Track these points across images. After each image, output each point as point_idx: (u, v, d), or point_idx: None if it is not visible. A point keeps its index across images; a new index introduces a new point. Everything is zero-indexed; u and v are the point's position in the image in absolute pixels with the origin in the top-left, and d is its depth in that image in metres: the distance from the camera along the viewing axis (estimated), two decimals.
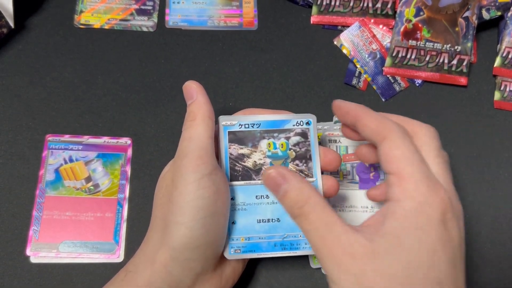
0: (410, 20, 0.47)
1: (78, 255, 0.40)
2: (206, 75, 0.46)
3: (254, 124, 0.36)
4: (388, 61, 0.47)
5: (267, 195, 0.35)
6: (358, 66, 0.47)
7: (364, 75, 0.47)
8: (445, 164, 0.31)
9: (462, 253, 0.29)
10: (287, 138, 0.36)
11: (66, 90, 0.45)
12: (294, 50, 0.48)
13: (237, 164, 0.35)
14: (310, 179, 0.35)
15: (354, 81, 0.47)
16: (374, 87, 0.47)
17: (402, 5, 0.47)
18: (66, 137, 0.43)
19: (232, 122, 0.36)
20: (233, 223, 0.35)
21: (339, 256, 0.28)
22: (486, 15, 0.47)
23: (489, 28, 0.49)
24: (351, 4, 0.48)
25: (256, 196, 0.35)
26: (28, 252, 0.40)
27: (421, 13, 0.47)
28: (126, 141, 0.44)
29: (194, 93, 0.34)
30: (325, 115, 0.45)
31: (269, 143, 0.36)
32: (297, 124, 0.36)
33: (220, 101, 0.45)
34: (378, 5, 0.48)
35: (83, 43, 0.47)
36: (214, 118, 0.34)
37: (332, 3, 0.49)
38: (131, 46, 0.47)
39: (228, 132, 0.36)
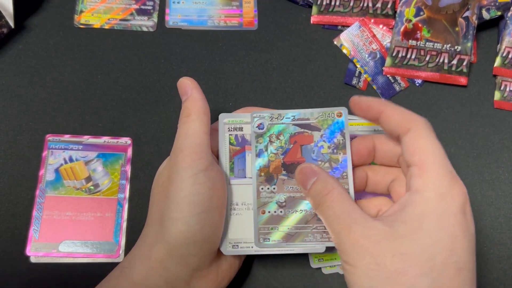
0: (410, 20, 0.47)
1: (78, 255, 0.40)
2: (206, 75, 0.46)
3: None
4: (388, 61, 0.47)
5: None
6: (358, 66, 0.47)
7: (364, 75, 0.47)
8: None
9: (475, 245, 0.29)
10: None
11: (66, 90, 0.45)
12: (294, 50, 0.48)
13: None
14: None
15: (354, 81, 0.47)
16: (374, 87, 0.47)
17: (402, 5, 0.47)
18: (66, 137, 0.43)
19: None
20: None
21: (358, 239, 0.28)
22: (486, 15, 0.47)
23: (489, 28, 0.49)
24: (351, 4, 0.48)
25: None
26: (28, 252, 0.40)
27: (421, 13, 0.47)
28: (126, 141, 0.44)
29: (189, 89, 0.34)
30: None
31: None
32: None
33: (220, 101, 0.45)
34: (378, 5, 0.48)
35: (83, 43, 0.47)
36: (209, 114, 0.34)
37: (332, 3, 0.49)
38: (131, 46, 0.47)
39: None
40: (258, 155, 0.35)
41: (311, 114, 0.36)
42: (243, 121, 0.36)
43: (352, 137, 0.36)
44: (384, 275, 0.27)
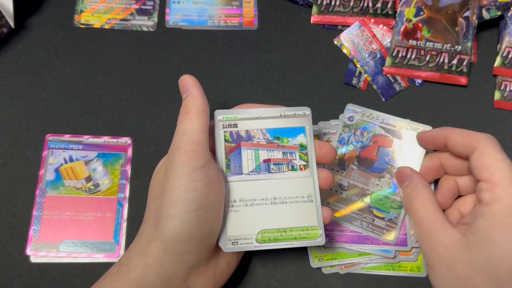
0: (410, 20, 0.47)
1: (78, 255, 0.40)
2: (206, 75, 0.46)
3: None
4: (388, 61, 0.47)
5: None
6: (358, 66, 0.47)
7: (364, 75, 0.47)
8: None
9: None
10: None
11: (66, 90, 0.45)
12: (294, 50, 0.48)
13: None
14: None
15: (354, 81, 0.47)
16: (374, 87, 0.47)
17: (402, 4, 0.47)
18: (66, 137, 0.43)
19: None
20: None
21: (436, 246, 0.33)
22: (486, 15, 0.47)
23: (489, 28, 0.49)
24: (351, 3, 0.48)
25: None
26: (28, 252, 0.40)
27: (421, 13, 0.47)
28: (126, 140, 0.44)
29: (189, 87, 0.34)
30: (325, 114, 0.45)
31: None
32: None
33: (220, 101, 0.45)
34: (378, 4, 0.48)
35: (83, 43, 0.47)
36: (208, 111, 0.34)
37: (332, 2, 0.49)
38: (131, 46, 0.47)
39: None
40: (340, 142, 0.41)
41: (398, 122, 0.42)
42: (237, 117, 0.36)
43: None
44: (454, 279, 0.32)
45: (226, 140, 0.36)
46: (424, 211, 0.35)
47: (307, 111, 0.37)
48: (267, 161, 0.36)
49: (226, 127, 0.36)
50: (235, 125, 0.36)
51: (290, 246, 0.35)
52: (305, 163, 0.36)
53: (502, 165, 0.33)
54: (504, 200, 0.32)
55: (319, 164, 0.37)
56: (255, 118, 0.36)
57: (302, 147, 0.36)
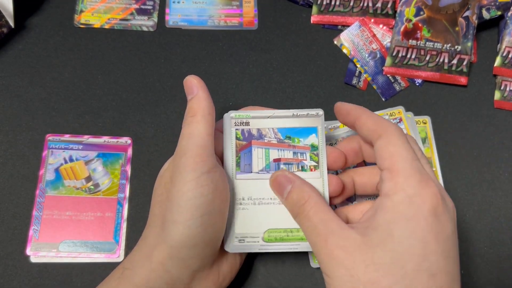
0: (410, 20, 0.47)
1: (78, 255, 0.40)
2: (206, 75, 0.46)
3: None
4: (388, 60, 0.47)
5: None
6: (358, 65, 0.47)
7: (364, 75, 0.47)
8: (428, 163, 0.32)
9: (455, 245, 0.29)
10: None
11: (66, 90, 0.45)
12: (294, 50, 0.48)
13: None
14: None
15: (354, 81, 0.47)
16: (374, 86, 0.47)
17: (402, 4, 0.47)
18: (66, 137, 0.43)
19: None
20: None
21: (333, 250, 0.28)
22: (486, 15, 0.47)
23: (489, 27, 0.49)
24: (351, 3, 0.48)
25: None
26: (28, 251, 0.40)
27: (421, 12, 0.47)
28: (126, 140, 0.44)
29: (195, 88, 0.34)
30: (325, 114, 0.44)
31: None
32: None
33: (220, 101, 0.45)
34: (378, 4, 0.48)
35: (83, 43, 0.47)
36: (214, 114, 0.34)
37: (332, 2, 0.49)
38: (131, 46, 0.47)
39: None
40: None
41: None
42: (249, 116, 0.36)
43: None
44: (357, 286, 0.27)
45: (237, 138, 0.36)
46: (317, 214, 0.30)
47: (320, 111, 0.36)
48: (277, 160, 0.36)
49: (238, 125, 0.36)
50: (247, 123, 0.36)
51: (294, 250, 0.35)
52: (315, 163, 0.36)
53: (404, 153, 0.30)
54: (406, 189, 0.28)
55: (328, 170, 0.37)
56: (267, 117, 0.36)
57: (314, 147, 0.36)
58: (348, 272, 0.28)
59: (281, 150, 0.36)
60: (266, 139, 0.36)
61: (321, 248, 0.29)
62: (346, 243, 0.28)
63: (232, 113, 0.36)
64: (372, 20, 0.49)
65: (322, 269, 0.30)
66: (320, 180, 0.35)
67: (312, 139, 0.36)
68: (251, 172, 0.35)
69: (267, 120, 0.36)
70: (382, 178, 0.30)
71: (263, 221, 0.35)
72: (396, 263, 0.27)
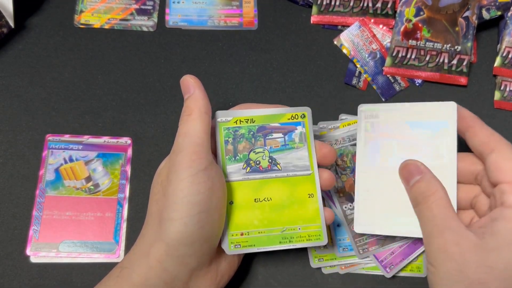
0: (410, 20, 0.47)
1: (78, 255, 0.40)
2: (206, 75, 0.46)
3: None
4: (388, 61, 0.47)
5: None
6: (358, 66, 0.47)
7: (364, 75, 0.47)
8: None
9: None
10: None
11: (66, 90, 0.45)
12: (294, 50, 0.48)
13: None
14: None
15: (354, 81, 0.47)
16: (374, 87, 0.47)
17: (402, 5, 0.47)
18: (66, 137, 0.43)
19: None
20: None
21: (448, 245, 0.31)
22: (486, 15, 0.47)
23: (489, 28, 0.49)
24: (351, 4, 0.48)
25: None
26: (28, 252, 0.40)
27: (421, 13, 0.47)
28: (126, 141, 0.44)
29: (191, 88, 0.34)
30: (325, 114, 0.45)
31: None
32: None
33: (220, 101, 0.45)
34: (378, 5, 0.48)
35: (83, 43, 0.47)
36: (210, 113, 0.34)
37: (332, 3, 0.49)
38: (131, 46, 0.47)
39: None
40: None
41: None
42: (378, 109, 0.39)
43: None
44: (464, 282, 0.30)
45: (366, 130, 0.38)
46: (439, 207, 0.33)
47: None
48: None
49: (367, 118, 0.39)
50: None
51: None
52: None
53: None
54: None
55: (320, 165, 0.37)
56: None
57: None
58: (457, 267, 0.30)
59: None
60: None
61: (434, 239, 0.32)
62: (461, 240, 0.31)
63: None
64: (372, 20, 0.49)
65: (428, 258, 0.32)
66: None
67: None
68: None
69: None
70: (501, 190, 0.32)
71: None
72: (509, 270, 0.29)
